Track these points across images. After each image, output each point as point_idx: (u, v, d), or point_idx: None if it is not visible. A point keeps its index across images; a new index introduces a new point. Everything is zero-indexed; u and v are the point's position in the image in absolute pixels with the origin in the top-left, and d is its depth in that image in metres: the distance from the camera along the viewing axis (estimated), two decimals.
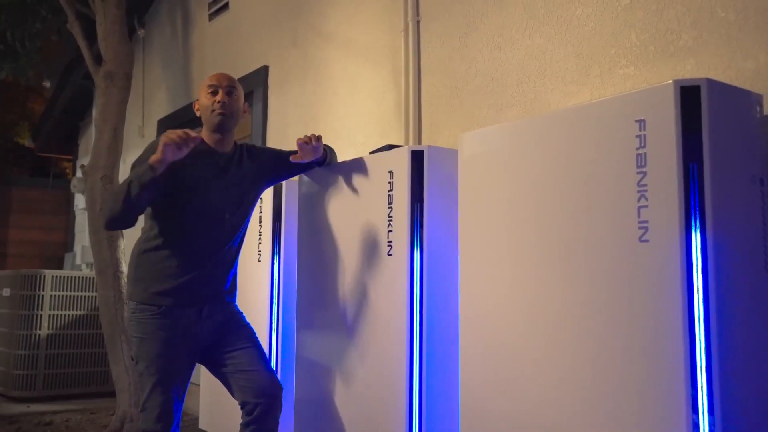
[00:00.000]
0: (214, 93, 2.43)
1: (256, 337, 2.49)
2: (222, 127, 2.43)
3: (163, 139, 2.18)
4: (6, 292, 5.36)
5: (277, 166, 2.63)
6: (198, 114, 2.49)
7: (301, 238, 2.99)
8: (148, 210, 2.41)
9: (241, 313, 2.54)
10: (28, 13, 5.17)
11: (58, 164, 12.22)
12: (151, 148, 2.33)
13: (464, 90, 2.91)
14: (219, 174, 2.43)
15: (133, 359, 2.43)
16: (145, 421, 2.32)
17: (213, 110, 2.41)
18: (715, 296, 1.63)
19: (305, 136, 2.56)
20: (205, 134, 2.47)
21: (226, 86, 2.44)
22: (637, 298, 1.74)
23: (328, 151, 2.71)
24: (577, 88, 2.44)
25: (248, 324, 2.52)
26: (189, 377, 2.40)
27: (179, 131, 2.19)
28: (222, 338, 2.42)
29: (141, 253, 2.41)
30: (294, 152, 2.62)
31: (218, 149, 2.46)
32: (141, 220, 2.40)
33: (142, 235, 2.45)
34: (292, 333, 3.03)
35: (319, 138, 2.57)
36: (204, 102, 2.45)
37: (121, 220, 2.30)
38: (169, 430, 2.31)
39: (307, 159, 2.58)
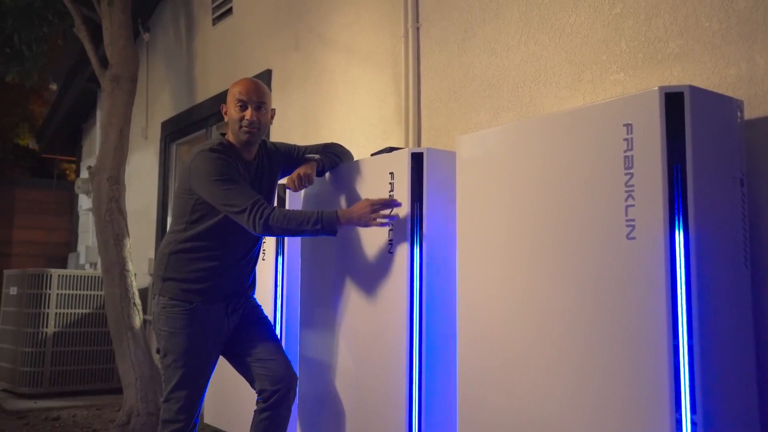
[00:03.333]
0: (243, 108, 2.45)
1: (273, 329, 2.64)
2: (249, 143, 2.51)
3: (372, 215, 2.38)
4: (13, 290, 5.45)
5: (287, 165, 2.72)
6: (225, 119, 2.54)
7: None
8: (182, 213, 2.46)
9: (260, 306, 2.66)
10: (34, 17, 5.26)
11: (58, 165, 12.30)
12: (228, 163, 2.38)
13: (462, 94, 3.02)
14: (252, 182, 2.50)
15: (159, 352, 2.53)
16: (166, 411, 2.41)
17: (241, 126, 2.45)
18: (698, 290, 1.73)
19: (293, 182, 2.62)
20: (233, 138, 2.52)
21: (255, 102, 2.46)
22: (625, 293, 1.83)
23: (326, 160, 2.74)
24: (570, 93, 2.55)
25: (266, 317, 2.65)
26: (212, 371, 2.50)
27: (378, 208, 2.40)
28: (243, 330, 2.54)
29: (173, 253, 2.46)
30: (302, 152, 2.75)
31: (247, 157, 2.53)
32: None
33: (173, 236, 2.50)
34: (295, 330, 3.12)
35: (304, 178, 2.64)
36: (233, 114, 2.47)
37: (277, 234, 2.43)
38: (191, 421, 2.41)
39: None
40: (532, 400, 2.05)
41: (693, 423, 1.69)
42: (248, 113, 2.45)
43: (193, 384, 2.41)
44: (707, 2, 2.15)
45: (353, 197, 2.78)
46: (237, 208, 2.31)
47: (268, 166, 2.62)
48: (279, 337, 3.10)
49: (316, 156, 2.72)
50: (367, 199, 2.46)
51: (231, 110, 2.49)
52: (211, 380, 2.50)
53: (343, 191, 2.83)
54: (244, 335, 2.54)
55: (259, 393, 2.47)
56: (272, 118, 2.60)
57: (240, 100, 2.46)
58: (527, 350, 2.09)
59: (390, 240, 2.56)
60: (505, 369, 2.15)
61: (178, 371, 2.39)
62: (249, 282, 2.61)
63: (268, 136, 4.39)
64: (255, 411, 2.47)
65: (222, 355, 2.58)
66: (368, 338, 2.64)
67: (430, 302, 2.47)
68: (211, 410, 3.65)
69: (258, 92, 2.48)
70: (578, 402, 1.92)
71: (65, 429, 4.20)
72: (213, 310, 2.46)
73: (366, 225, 2.43)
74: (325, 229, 2.33)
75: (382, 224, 2.45)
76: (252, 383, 2.51)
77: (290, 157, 2.73)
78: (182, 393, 2.39)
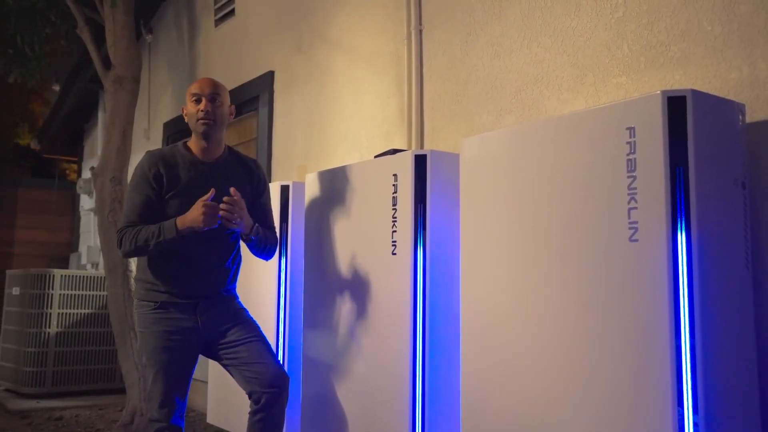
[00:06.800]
0: (198, 101, 2.52)
1: (260, 331, 2.60)
2: (207, 136, 2.53)
3: (203, 215, 2.31)
4: (16, 290, 5.47)
5: (252, 194, 2.64)
6: (186, 120, 2.59)
7: (307, 238, 3.10)
8: None
9: (245, 309, 2.65)
10: (37, 18, 5.27)
11: (58, 165, 12.33)
12: (142, 174, 2.46)
13: (465, 96, 3.04)
14: (202, 182, 2.49)
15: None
16: (149, 409, 2.47)
17: (198, 119, 2.51)
18: (700, 292, 1.75)
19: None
20: (192, 141, 2.58)
21: (209, 94, 2.52)
22: (627, 295, 1.85)
23: (261, 232, 2.57)
24: (572, 95, 2.56)
25: (251, 318, 2.63)
26: (190, 370, 2.51)
27: (210, 208, 2.33)
28: (226, 333, 2.53)
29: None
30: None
31: (203, 158, 2.55)
32: None
33: None
34: (298, 331, 3.13)
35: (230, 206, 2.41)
36: (189, 110, 2.55)
37: (136, 254, 2.48)
38: (171, 418, 2.43)
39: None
40: (535, 402, 2.07)
41: (695, 424, 1.70)
42: (202, 105, 2.52)
43: (166, 382, 2.43)
44: (709, 6, 2.17)
45: (357, 199, 2.80)
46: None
47: (235, 173, 2.59)
48: (271, 337, 3.12)
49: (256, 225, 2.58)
50: (199, 201, 2.36)
51: (188, 107, 2.56)
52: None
53: (347, 193, 2.85)
54: (228, 338, 2.52)
55: (250, 396, 2.48)
56: (231, 115, 2.62)
57: (194, 94, 2.54)
58: (530, 352, 2.10)
59: (393, 242, 2.58)
60: (507, 370, 2.16)
61: (152, 369, 2.45)
62: (224, 284, 2.58)
63: (270, 142, 4.42)
64: (249, 413, 2.48)
65: (211, 358, 2.61)
66: (371, 340, 2.66)
67: (433, 304, 2.49)
68: (213, 410, 3.67)
69: (211, 85, 2.55)
70: (581, 404, 1.94)
71: (68, 429, 4.22)
72: (179, 308, 2.48)
73: (202, 226, 2.33)
74: (165, 236, 2.37)
75: (218, 221, 2.34)
76: (241, 386, 2.51)
77: (254, 190, 2.64)
78: (159, 391, 2.43)
